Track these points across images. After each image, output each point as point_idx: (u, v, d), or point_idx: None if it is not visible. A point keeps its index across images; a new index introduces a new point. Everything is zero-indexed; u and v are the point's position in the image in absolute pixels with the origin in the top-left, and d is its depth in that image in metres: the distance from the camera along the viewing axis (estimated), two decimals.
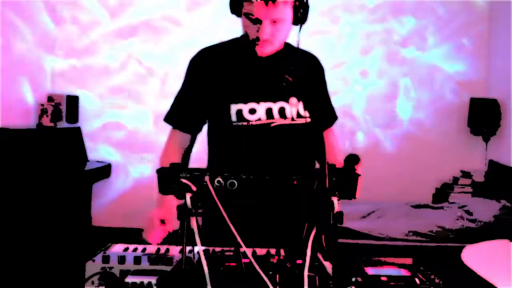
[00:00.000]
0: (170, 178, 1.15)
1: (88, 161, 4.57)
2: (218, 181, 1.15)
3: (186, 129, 1.68)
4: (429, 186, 4.75)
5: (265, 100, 1.63)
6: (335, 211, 1.07)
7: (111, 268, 1.24)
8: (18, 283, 3.29)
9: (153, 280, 1.16)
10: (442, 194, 4.66)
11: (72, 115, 4.63)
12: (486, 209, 3.82)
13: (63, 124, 4.61)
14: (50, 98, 4.59)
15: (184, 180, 1.13)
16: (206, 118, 1.69)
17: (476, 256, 2.37)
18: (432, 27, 4.93)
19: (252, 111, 1.60)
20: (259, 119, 1.61)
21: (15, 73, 4.67)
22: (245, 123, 1.60)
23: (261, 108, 1.62)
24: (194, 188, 1.12)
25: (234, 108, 1.61)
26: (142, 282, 1.16)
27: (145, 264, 1.25)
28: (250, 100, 1.62)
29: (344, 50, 4.83)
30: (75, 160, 4.42)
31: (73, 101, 4.66)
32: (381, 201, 4.20)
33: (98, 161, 4.61)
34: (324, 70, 1.82)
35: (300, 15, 1.58)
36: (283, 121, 1.64)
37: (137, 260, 1.26)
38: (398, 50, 4.91)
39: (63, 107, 4.60)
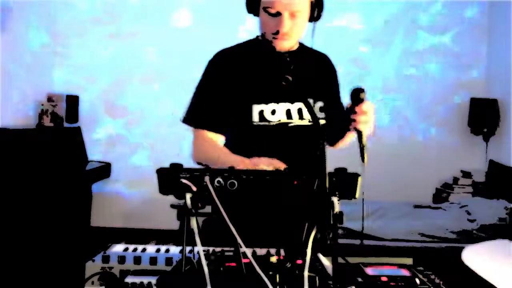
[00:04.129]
0: (170, 178, 1.15)
1: (88, 161, 4.57)
2: (218, 181, 1.15)
3: (219, 131, 1.65)
4: (429, 186, 4.75)
5: (284, 101, 1.65)
6: (335, 211, 1.07)
7: (111, 268, 1.24)
8: (18, 283, 3.29)
9: (153, 280, 1.16)
10: (442, 194, 4.66)
11: (72, 115, 4.63)
12: (486, 209, 3.82)
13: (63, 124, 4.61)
14: (50, 98, 4.59)
15: (184, 180, 1.13)
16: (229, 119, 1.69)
17: (476, 256, 2.37)
18: (432, 26, 4.93)
19: (273, 112, 1.63)
20: (279, 120, 1.64)
21: (15, 72, 4.67)
22: (266, 123, 1.63)
23: (281, 109, 1.64)
24: (194, 188, 1.12)
25: (256, 108, 1.63)
26: (142, 282, 1.16)
27: (145, 264, 1.25)
28: (271, 100, 1.64)
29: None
30: (75, 160, 4.41)
31: (73, 101, 4.66)
32: (382, 201, 4.19)
33: (98, 161, 4.61)
34: (336, 70, 1.83)
35: (317, 12, 1.60)
36: (300, 122, 1.67)
37: (137, 260, 1.26)
38: (398, 49, 4.91)
39: (63, 107, 4.61)
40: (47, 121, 4.51)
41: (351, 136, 1.66)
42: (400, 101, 4.87)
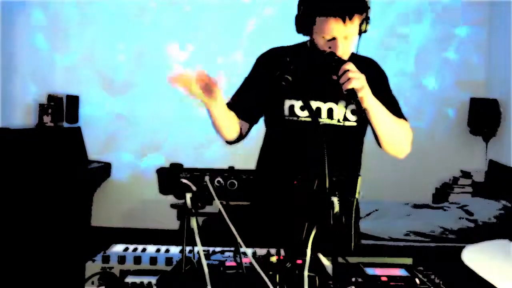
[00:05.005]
0: (170, 178, 1.15)
1: (88, 161, 4.57)
2: (218, 181, 1.15)
3: (242, 117, 1.73)
4: (429, 186, 4.75)
5: (316, 99, 1.71)
6: (335, 211, 1.08)
7: (111, 268, 1.24)
8: (19, 283, 3.29)
9: (153, 280, 1.16)
10: (442, 194, 4.65)
11: (72, 115, 4.63)
12: (486, 209, 3.82)
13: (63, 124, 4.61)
14: (50, 98, 4.59)
15: (184, 180, 1.13)
16: (263, 111, 1.79)
17: (476, 256, 2.37)
18: (432, 27, 4.93)
19: (302, 108, 1.70)
20: (308, 116, 1.70)
21: (15, 72, 4.67)
22: (295, 118, 1.70)
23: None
24: (194, 188, 1.12)
25: (287, 103, 1.71)
26: (142, 282, 1.16)
27: (145, 264, 1.25)
28: (302, 97, 1.69)
29: None
30: (75, 160, 4.42)
31: (73, 101, 4.65)
32: (382, 201, 4.19)
33: (98, 161, 4.61)
34: (386, 75, 1.87)
35: (364, 27, 1.65)
36: (329, 121, 1.72)
37: (137, 260, 1.26)
38: (398, 50, 4.91)
39: (63, 107, 4.60)
40: (47, 121, 4.51)
41: (373, 117, 1.63)
42: (399, 101, 4.85)
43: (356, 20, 1.59)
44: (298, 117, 1.71)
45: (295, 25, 1.69)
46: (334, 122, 1.72)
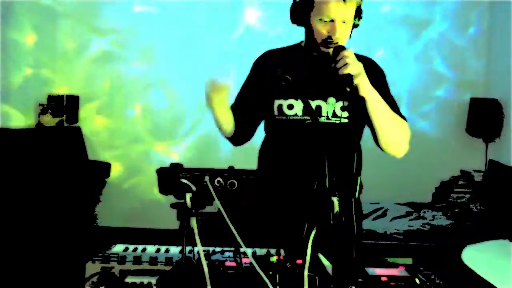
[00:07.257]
0: (170, 178, 1.15)
1: (88, 161, 4.57)
2: (218, 181, 1.15)
3: (245, 119, 1.78)
4: (429, 186, 4.75)
5: (304, 98, 1.72)
6: (335, 211, 1.08)
7: (111, 268, 1.24)
8: (19, 283, 3.29)
9: (153, 280, 1.16)
10: (442, 194, 4.65)
11: (72, 115, 4.63)
12: (485, 209, 3.83)
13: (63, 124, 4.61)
14: (50, 98, 4.58)
15: (184, 180, 1.13)
16: (262, 113, 1.82)
17: (476, 256, 2.37)
18: (432, 27, 4.93)
19: (290, 107, 1.72)
20: (296, 115, 1.71)
21: (15, 72, 4.68)
22: (284, 117, 1.72)
23: (298, 105, 1.72)
24: (194, 188, 1.12)
25: (276, 103, 1.74)
26: (142, 282, 1.16)
27: (145, 264, 1.25)
28: (289, 96, 1.72)
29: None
30: (75, 160, 4.41)
31: (73, 101, 4.65)
32: (382, 201, 4.20)
33: (98, 161, 4.61)
34: (384, 73, 1.87)
35: (357, 21, 1.68)
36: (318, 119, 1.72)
37: (137, 260, 1.26)
38: (398, 50, 4.91)
39: (63, 107, 4.60)
40: (47, 121, 4.51)
41: (371, 108, 1.62)
42: (400, 101, 4.85)
43: (354, 3, 1.62)
44: (287, 116, 1.72)
45: (290, 15, 1.71)
46: (323, 119, 1.71)
